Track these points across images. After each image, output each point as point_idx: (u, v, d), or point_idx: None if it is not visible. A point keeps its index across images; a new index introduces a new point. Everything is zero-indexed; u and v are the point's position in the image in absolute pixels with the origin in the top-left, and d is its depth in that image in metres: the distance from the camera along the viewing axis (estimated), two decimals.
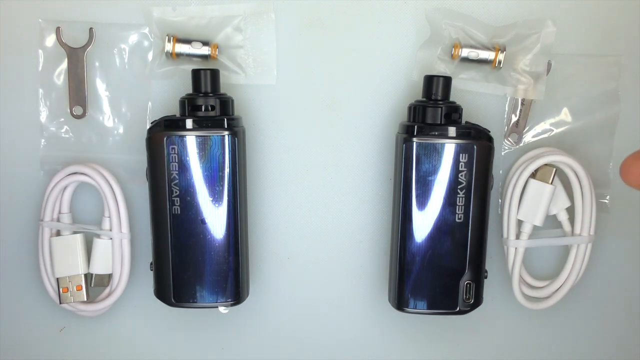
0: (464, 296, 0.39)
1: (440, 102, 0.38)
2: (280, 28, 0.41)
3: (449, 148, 0.37)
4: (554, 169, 0.41)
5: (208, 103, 0.38)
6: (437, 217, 0.38)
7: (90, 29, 0.41)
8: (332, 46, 0.42)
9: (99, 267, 0.42)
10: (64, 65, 0.41)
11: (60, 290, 0.42)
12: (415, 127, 0.38)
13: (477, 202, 0.38)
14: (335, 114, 0.42)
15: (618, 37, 0.41)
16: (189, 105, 0.38)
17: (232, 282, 0.39)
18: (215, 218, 0.38)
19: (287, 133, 0.43)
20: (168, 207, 0.38)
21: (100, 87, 0.42)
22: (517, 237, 0.42)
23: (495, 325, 0.45)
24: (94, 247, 0.42)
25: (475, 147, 0.37)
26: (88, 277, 0.42)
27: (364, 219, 0.44)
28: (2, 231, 0.44)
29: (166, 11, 0.40)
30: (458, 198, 0.38)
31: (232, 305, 0.40)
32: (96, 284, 0.42)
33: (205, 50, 0.40)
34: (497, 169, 0.42)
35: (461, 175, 0.38)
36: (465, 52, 0.40)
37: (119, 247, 0.41)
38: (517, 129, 0.42)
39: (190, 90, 0.39)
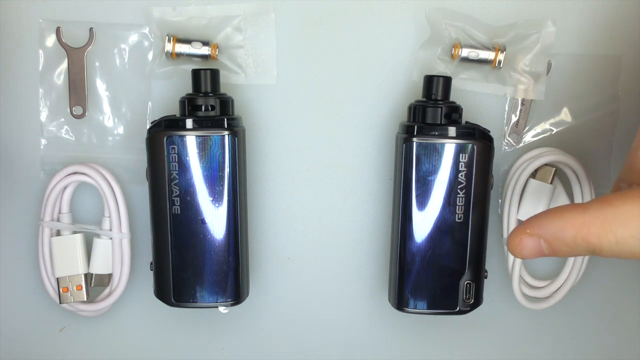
0: (464, 296, 0.39)
1: (440, 102, 0.38)
2: (280, 28, 0.41)
3: (449, 148, 0.37)
4: (554, 169, 0.41)
5: (208, 103, 0.38)
6: (437, 217, 0.38)
7: (90, 29, 0.41)
8: (332, 46, 0.42)
9: (99, 267, 0.42)
10: (64, 65, 0.41)
11: (60, 290, 0.42)
12: (415, 127, 0.38)
13: (477, 202, 0.38)
14: (335, 114, 0.42)
15: (618, 37, 0.41)
16: (189, 105, 0.38)
17: (232, 282, 0.39)
18: (215, 218, 0.38)
19: (287, 133, 0.43)
20: (168, 207, 0.38)
21: (100, 87, 0.42)
22: None
23: (495, 325, 0.45)
24: (94, 247, 0.42)
25: (475, 147, 0.37)
26: (88, 277, 0.42)
27: (364, 218, 0.44)
28: (2, 231, 0.44)
29: (166, 11, 0.40)
30: (458, 198, 0.38)
31: (232, 305, 0.40)
32: (96, 284, 0.42)
33: (205, 50, 0.40)
34: (497, 169, 0.42)
35: (461, 175, 0.38)
36: (465, 52, 0.40)
37: (119, 247, 0.41)
38: (517, 129, 0.42)
39: (190, 90, 0.39)
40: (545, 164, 0.41)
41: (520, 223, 0.42)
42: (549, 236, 0.29)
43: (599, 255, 0.28)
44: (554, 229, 0.29)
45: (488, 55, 0.40)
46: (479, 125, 0.38)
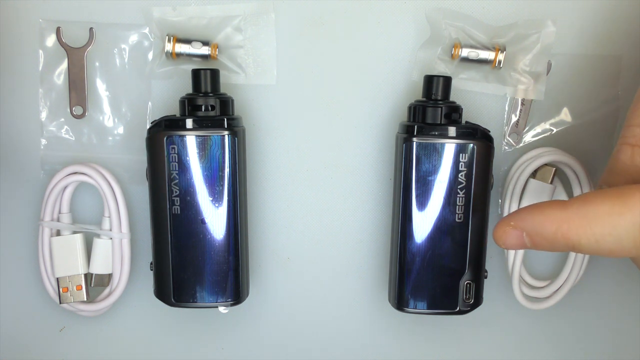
0: (464, 296, 0.39)
1: (440, 102, 0.38)
2: (280, 28, 0.41)
3: (449, 148, 0.37)
4: (554, 169, 0.41)
5: (208, 103, 0.38)
6: (437, 217, 0.38)
7: (91, 29, 0.41)
8: (332, 46, 0.42)
9: (99, 267, 0.42)
10: (64, 65, 0.41)
11: (60, 290, 0.42)
12: (415, 127, 0.38)
13: (477, 202, 0.38)
14: (335, 114, 0.42)
15: (618, 37, 0.41)
16: (189, 105, 0.38)
17: (232, 282, 0.39)
18: (215, 218, 0.38)
19: (287, 133, 0.43)
20: (168, 207, 0.38)
21: (100, 87, 0.42)
22: None
23: (495, 325, 0.45)
24: (94, 247, 0.42)
25: (475, 147, 0.37)
26: (88, 277, 0.42)
27: (364, 219, 0.44)
28: (2, 231, 0.44)
29: (166, 11, 0.40)
30: (458, 198, 0.38)
31: (232, 305, 0.40)
32: (96, 284, 0.42)
33: (205, 50, 0.40)
34: (497, 169, 0.42)
35: (461, 175, 0.38)
36: (465, 52, 0.40)
37: (119, 247, 0.41)
38: (517, 129, 0.42)
39: (190, 90, 0.39)
40: (545, 164, 0.41)
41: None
42: (530, 230, 0.30)
43: (578, 251, 0.29)
44: (535, 223, 0.29)
45: (488, 55, 0.40)
46: (479, 125, 0.38)
